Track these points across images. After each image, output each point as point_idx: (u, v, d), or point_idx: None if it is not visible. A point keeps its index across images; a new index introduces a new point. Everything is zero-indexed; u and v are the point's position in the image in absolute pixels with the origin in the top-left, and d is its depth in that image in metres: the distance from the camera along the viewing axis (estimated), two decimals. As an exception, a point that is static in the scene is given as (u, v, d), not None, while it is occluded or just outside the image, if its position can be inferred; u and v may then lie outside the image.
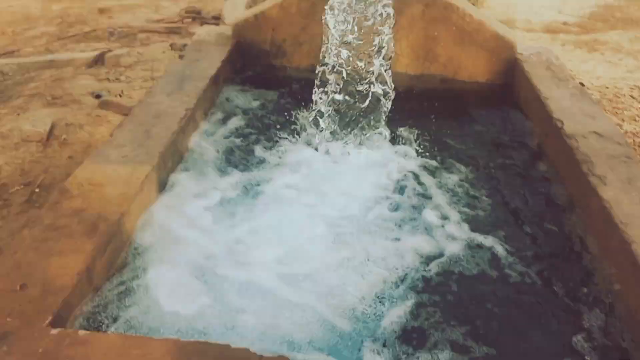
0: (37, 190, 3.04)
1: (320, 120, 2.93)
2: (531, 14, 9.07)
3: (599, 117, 2.70)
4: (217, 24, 7.04)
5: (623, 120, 4.71)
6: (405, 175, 2.68)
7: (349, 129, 2.98)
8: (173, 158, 2.58)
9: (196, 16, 7.84)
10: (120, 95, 4.35)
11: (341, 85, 2.92)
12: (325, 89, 2.93)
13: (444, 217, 2.38)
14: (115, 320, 1.79)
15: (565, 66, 3.31)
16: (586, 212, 2.26)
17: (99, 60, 5.47)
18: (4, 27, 7.53)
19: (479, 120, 3.18)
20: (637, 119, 4.76)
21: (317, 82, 2.93)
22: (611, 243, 2.01)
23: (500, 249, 2.20)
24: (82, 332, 1.58)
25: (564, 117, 2.68)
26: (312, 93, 2.93)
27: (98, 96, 4.23)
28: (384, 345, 1.76)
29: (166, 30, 7.29)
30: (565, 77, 3.12)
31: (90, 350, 1.51)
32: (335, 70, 2.91)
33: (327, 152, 2.88)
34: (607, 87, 5.42)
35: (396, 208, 2.45)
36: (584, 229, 2.25)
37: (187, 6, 8.31)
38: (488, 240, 2.24)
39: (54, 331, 1.57)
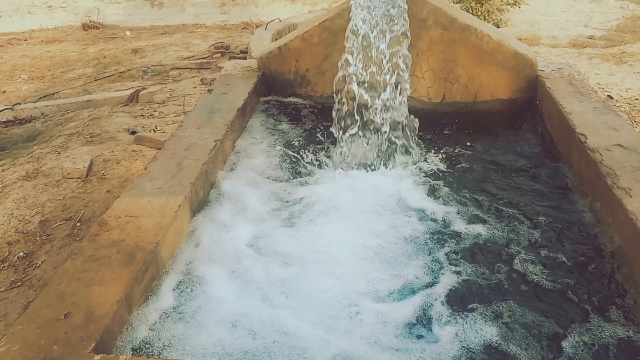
0: (78, 224, 3.20)
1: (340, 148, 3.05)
2: (556, 30, 9.05)
3: (622, 129, 2.70)
4: (244, 58, 7.27)
5: (654, 131, 4.65)
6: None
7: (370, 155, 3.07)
8: (204, 187, 2.68)
9: (225, 51, 8.10)
10: (154, 131, 4.53)
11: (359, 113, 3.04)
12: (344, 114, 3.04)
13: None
14: (153, 344, 1.87)
15: (587, 81, 3.33)
16: (613, 224, 2.26)
17: (133, 98, 5.70)
18: (44, 71, 7.93)
19: (502, 139, 3.21)
20: (669, 129, 4.69)
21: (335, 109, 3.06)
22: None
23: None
24: (122, 357, 1.67)
25: (587, 131, 2.69)
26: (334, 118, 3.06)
27: (133, 132, 4.41)
28: None
29: (197, 66, 7.55)
30: (588, 91, 3.13)
31: (130, 373, 1.59)
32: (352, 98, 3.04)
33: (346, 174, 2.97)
34: (636, 99, 5.35)
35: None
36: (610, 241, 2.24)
37: (215, 42, 8.61)
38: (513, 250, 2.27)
39: (97, 357, 1.66)
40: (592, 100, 3.02)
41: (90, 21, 10.96)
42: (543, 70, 3.41)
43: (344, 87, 3.04)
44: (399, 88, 3.04)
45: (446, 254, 2.31)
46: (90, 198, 3.44)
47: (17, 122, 5.61)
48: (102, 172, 3.70)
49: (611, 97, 5.40)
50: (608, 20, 9.66)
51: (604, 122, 2.78)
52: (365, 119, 3.06)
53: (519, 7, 9.28)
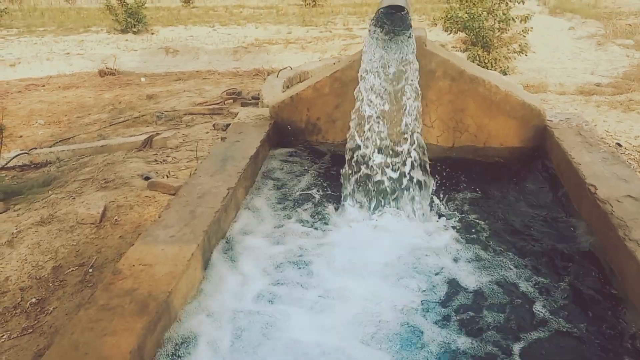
0: (90, 270, 3.21)
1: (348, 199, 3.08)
2: (563, 77, 9.20)
3: (632, 180, 2.72)
4: (256, 104, 7.42)
5: (665, 179, 4.64)
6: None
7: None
8: (217, 235, 2.71)
9: (237, 97, 8.28)
10: (167, 176, 4.60)
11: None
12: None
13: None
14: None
15: (596, 131, 3.37)
16: (624, 277, 2.25)
17: (147, 144, 5.81)
18: (60, 116, 8.13)
19: (512, 189, 3.23)
20: (679, 177, 4.69)
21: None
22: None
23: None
24: (133, 409, 1.67)
25: (596, 182, 2.70)
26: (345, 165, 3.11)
27: (146, 178, 4.48)
28: None
29: (209, 111, 7.71)
30: (597, 141, 3.17)
31: None
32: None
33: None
34: (646, 146, 5.37)
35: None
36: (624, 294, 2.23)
37: (228, 88, 8.81)
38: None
39: (108, 408, 1.66)
40: (601, 150, 3.05)
41: (106, 68, 11.28)
42: (551, 120, 3.46)
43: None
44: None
45: (454, 308, 2.31)
46: (103, 244, 3.47)
47: (32, 166, 5.72)
48: (116, 217, 3.74)
49: (620, 145, 5.43)
50: (614, 68, 9.80)
51: (613, 172, 2.80)
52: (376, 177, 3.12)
53: (526, 55, 9.47)
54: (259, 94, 7.38)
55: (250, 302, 2.38)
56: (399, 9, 2.99)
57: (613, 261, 2.38)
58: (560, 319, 2.20)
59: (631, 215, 2.41)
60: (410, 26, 3.09)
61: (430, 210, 3.05)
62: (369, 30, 3.14)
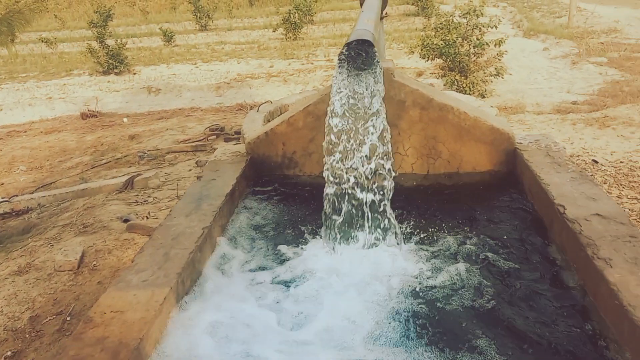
0: (68, 318, 3.18)
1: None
2: (540, 97, 9.35)
3: (600, 199, 2.75)
4: (239, 139, 7.46)
5: (641, 194, 4.71)
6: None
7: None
8: (191, 277, 2.70)
9: (220, 133, 8.32)
10: (147, 217, 4.59)
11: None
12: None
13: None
14: None
15: (564, 151, 3.42)
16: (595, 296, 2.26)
17: (128, 185, 5.81)
18: (42, 161, 8.11)
19: (486, 212, 3.25)
20: (655, 191, 4.75)
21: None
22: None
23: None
24: None
25: (565, 202, 2.74)
26: (322, 198, 3.12)
27: (126, 220, 4.47)
28: None
29: (192, 148, 7.74)
30: (565, 162, 3.21)
31: None
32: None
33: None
34: (621, 162, 5.46)
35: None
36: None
37: (211, 124, 8.86)
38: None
39: None
40: (569, 170, 3.09)
41: (88, 110, 11.32)
42: (521, 143, 3.51)
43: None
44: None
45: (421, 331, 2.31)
46: (81, 290, 3.43)
47: (13, 213, 5.69)
48: (94, 263, 3.71)
49: (596, 162, 5.51)
50: (590, 86, 9.98)
51: (581, 192, 2.84)
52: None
53: (502, 78, 9.63)
54: (241, 130, 7.43)
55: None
56: (366, 42, 3.05)
57: (584, 280, 2.40)
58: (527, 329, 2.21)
59: (599, 234, 2.44)
60: (376, 59, 3.15)
61: (403, 237, 3.06)
62: (337, 65, 3.20)
